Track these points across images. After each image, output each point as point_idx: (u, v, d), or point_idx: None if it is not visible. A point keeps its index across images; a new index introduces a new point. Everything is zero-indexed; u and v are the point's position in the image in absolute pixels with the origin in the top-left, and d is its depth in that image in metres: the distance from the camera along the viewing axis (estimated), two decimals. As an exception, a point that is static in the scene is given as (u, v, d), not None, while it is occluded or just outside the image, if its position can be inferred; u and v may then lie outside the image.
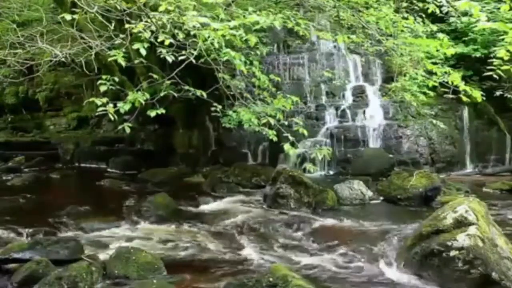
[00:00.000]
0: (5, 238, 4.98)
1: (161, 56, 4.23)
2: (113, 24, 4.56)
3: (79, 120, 13.81)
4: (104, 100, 4.00)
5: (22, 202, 6.91)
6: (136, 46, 3.99)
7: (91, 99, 4.16)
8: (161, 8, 4.05)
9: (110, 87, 4.23)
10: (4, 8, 8.36)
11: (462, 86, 6.16)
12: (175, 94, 4.81)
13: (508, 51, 4.68)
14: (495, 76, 5.27)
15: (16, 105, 14.76)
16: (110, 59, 4.17)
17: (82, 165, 11.60)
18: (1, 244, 4.64)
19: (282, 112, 5.44)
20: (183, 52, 4.20)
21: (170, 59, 4.15)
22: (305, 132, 5.18)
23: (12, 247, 4.27)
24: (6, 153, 11.62)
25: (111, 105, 4.01)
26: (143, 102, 4.20)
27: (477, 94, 6.11)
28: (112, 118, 4.04)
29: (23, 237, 5.02)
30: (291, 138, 4.71)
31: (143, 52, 3.99)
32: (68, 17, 4.32)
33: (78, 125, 13.90)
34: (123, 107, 4.08)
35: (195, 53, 4.16)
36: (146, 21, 4.08)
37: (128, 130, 4.23)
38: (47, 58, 6.25)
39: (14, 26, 6.93)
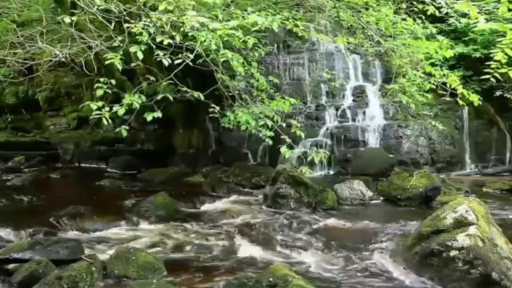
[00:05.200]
0: (5, 238, 4.98)
1: (158, 59, 4.24)
2: (112, 24, 4.56)
3: (79, 120, 13.79)
4: (100, 103, 4.01)
5: (22, 202, 6.90)
6: (133, 49, 4.00)
7: (87, 103, 4.18)
8: (160, 8, 4.06)
9: (108, 90, 4.23)
10: (4, 8, 8.36)
11: (460, 89, 6.17)
12: (171, 97, 4.81)
13: (503, 51, 4.68)
14: (492, 79, 5.27)
15: (16, 105, 14.74)
16: (107, 62, 4.18)
17: (82, 165, 11.60)
18: (1, 244, 4.64)
19: (280, 114, 5.45)
20: (180, 55, 4.20)
21: (166, 62, 4.15)
22: (302, 134, 5.18)
23: (12, 247, 4.26)
24: (6, 153, 11.61)
25: (107, 108, 4.02)
26: (138, 106, 4.20)
27: (475, 98, 6.12)
28: (106, 123, 4.06)
29: (23, 237, 5.01)
30: (288, 140, 4.72)
31: (140, 55, 3.99)
32: (67, 19, 4.32)
33: (78, 125, 13.88)
34: (119, 111, 4.10)
35: (192, 56, 4.17)
36: (145, 21, 4.09)
37: (125, 133, 4.25)
38: (47, 58, 6.26)
39: (14, 26, 6.93)
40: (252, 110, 5.27)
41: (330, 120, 9.85)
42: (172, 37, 4.17)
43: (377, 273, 4.07)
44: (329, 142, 9.30)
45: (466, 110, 9.80)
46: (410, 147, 9.23)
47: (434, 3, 6.76)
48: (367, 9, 7.09)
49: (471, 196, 5.84)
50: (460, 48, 9.56)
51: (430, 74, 6.78)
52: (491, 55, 5.23)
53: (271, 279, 3.45)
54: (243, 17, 4.54)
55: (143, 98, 4.27)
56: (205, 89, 5.14)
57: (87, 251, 4.34)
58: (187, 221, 5.84)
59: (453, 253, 3.66)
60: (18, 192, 7.48)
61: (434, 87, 6.94)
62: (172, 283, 3.81)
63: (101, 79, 4.30)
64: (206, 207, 6.66)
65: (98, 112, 4.02)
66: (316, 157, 4.89)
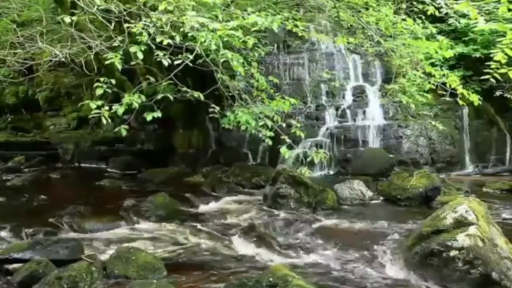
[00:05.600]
0: (5, 238, 4.98)
1: (157, 59, 4.24)
2: (112, 24, 4.57)
3: (79, 120, 13.79)
4: (99, 102, 4.01)
5: (22, 202, 6.90)
6: (133, 49, 4.01)
7: (86, 101, 4.18)
8: (160, 8, 4.06)
9: (107, 89, 4.24)
10: (4, 8, 8.37)
11: (459, 89, 6.17)
12: (172, 97, 4.81)
13: (503, 51, 4.68)
14: (492, 80, 5.27)
15: (16, 105, 14.75)
16: (107, 62, 4.18)
17: (82, 165, 11.61)
18: (1, 244, 4.64)
19: (280, 114, 5.45)
20: (180, 55, 4.21)
21: (166, 62, 4.16)
22: (302, 135, 5.19)
23: (12, 247, 4.27)
24: (6, 153, 11.61)
25: (106, 107, 4.03)
26: (137, 105, 4.21)
27: (475, 98, 6.12)
28: (105, 122, 4.07)
29: (23, 237, 5.01)
30: (288, 140, 4.72)
31: (140, 56, 4.00)
32: (67, 19, 4.32)
33: (78, 125, 13.89)
34: (118, 110, 4.10)
35: (191, 57, 4.17)
36: (145, 21, 4.09)
37: (124, 133, 4.25)
38: (47, 58, 6.26)
39: (14, 26, 6.93)
40: (252, 110, 5.27)
41: (330, 120, 9.85)
42: (172, 37, 4.17)
43: (377, 273, 4.07)
44: (329, 142, 9.30)
45: (466, 110, 9.80)
46: (410, 147, 9.24)
47: (434, 4, 6.76)
48: (367, 9, 7.09)
49: (471, 196, 5.84)
50: (460, 48, 9.57)
51: (430, 74, 6.78)
52: (491, 55, 5.23)
53: (271, 279, 3.45)
54: (243, 17, 4.54)
55: (143, 97, 4.28)
56: (205, 89, 5.13)
57: (87, 251, 4.34)
58: (187, 221, 5.83)
59: (453, 253, 3.66)
60: (18, 192, 7.48)
61: (434, 87, 6.94)
62: (172, 283, 3.81)
63: (101, 79, 4.30)
64: (206, 207, 6.66)
65: (97, 111, 4.03)
66: (316, 157, 4.90)
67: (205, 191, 7.62)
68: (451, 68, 9.28)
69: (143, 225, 5.73)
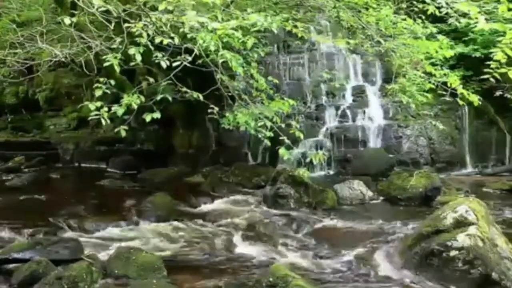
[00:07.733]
0: (5, 238, 4.98)
1: (156, 61, 4.24)
2: (112, 24, 4.56)
3: (79, 120, 13.75)
4: (98, 104, 4.01)
5: (22, 202, 6.90)
6: (132, 51, 4.00)
7: (85, 103, 4.18)
8: (160, 8, 4.06)
9: (107, 90, 4.23)
10: (4, 8, 8.37)
11: (460, 89, 6.18)
12: (171, 98, 4.80)
13: (503, 51, 4.68)
14: (492, 79, 5.27)
15: (16, 105, 14.74)
16: (105, 64, 4.18)
17: (82, 165, 11.60)
18: (1, 244, 4.64)
19: (280, 115, 5.45)
20: (179, 57, 4.20)
21: (164, 64, 4.15)
22: (301, 136, 5.20)
23: (12, 247, 4.27)
24: (6, 153, 11.60)
25: (105, 108, 4.02)
26: (136, 106, 4.20)
27: (474, 98, 6.12)
28: (104, 123, 4.07)
29: (23, 237, 5.02)
30: (287, 141, 4.72)
31: (139, 57, 3.99)
32: (67, 20, 4.31)
33: (78, 125, 13.86)
34: (118, 111, 4.10)
35: (190, 58, 4.16)
36: (145, 21, 4.09)
37: (123, 134, 4.25)
38: (47, 58, 6.26)
39: (14, 26, 6.93)
40: (251, 111, 5.26)
41: (330, 120, 9.85)
42: (172, 38, 4.17)
43: (377, 273, 4.07)
44: (329, 142, 9.30)
45: (466, 110, 9.78)
46: (410, 147, 9.24)
47: (434, 3, 6.75)
48: (367, 9, 7.09)
49: (471, 196, 5.85)
50: (460, 48, 9.56)
51: (430, 74, 6.78)
52: (491, 55, 5.23)
53: (271, 279, 3.45)
54: (242, 17, 4.53)
55: (142, 98, 4.27)
56: (205, 89, 5.13)
57: (87, 251, 4.34)
58: (187, 221, 5.84)
59: (453, 253, 3.67)
60: (18, 192, 7.48)
61: (434, 87, 6.94)
62: (172, 283, 3.81)
63: (101, 79, 4.30)
64: (206, 207, 6.66)
65: (96, 112, 4.03)
66: (315, 158, 4.90)
67: (205, 191, 7.62)
68: (451, 68, 9.26)
69: (143, 225, 5.73)
